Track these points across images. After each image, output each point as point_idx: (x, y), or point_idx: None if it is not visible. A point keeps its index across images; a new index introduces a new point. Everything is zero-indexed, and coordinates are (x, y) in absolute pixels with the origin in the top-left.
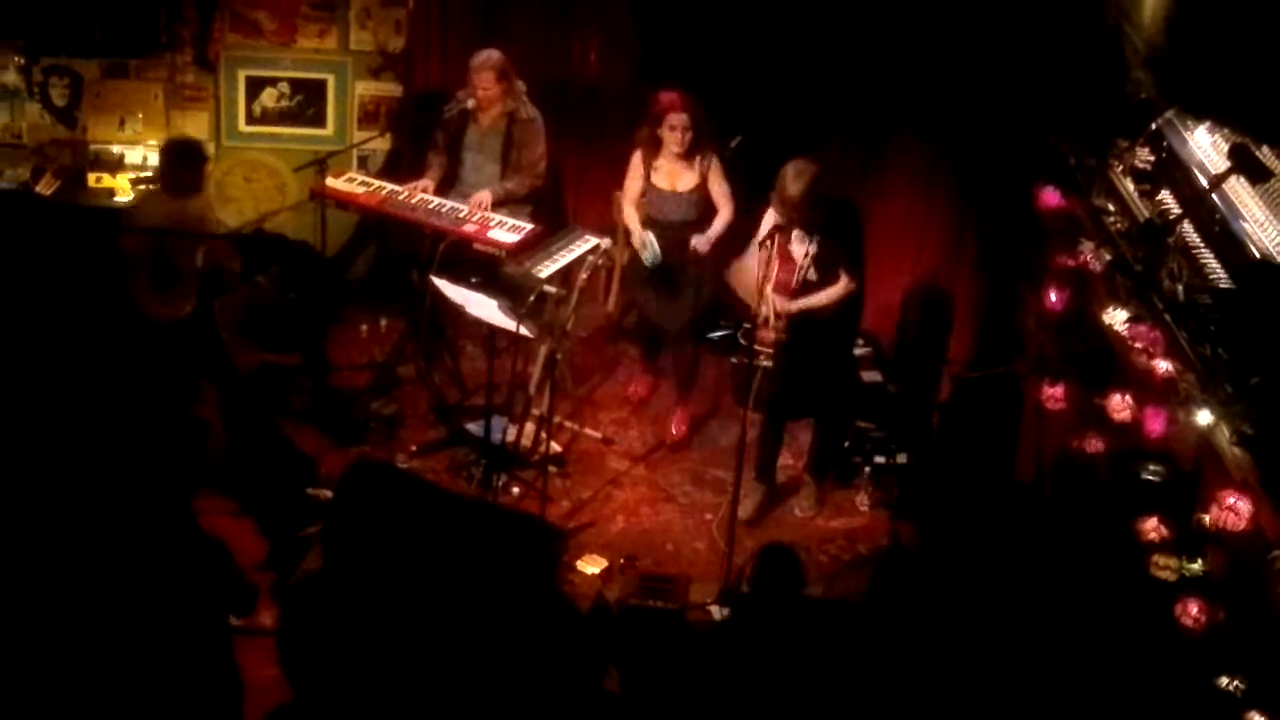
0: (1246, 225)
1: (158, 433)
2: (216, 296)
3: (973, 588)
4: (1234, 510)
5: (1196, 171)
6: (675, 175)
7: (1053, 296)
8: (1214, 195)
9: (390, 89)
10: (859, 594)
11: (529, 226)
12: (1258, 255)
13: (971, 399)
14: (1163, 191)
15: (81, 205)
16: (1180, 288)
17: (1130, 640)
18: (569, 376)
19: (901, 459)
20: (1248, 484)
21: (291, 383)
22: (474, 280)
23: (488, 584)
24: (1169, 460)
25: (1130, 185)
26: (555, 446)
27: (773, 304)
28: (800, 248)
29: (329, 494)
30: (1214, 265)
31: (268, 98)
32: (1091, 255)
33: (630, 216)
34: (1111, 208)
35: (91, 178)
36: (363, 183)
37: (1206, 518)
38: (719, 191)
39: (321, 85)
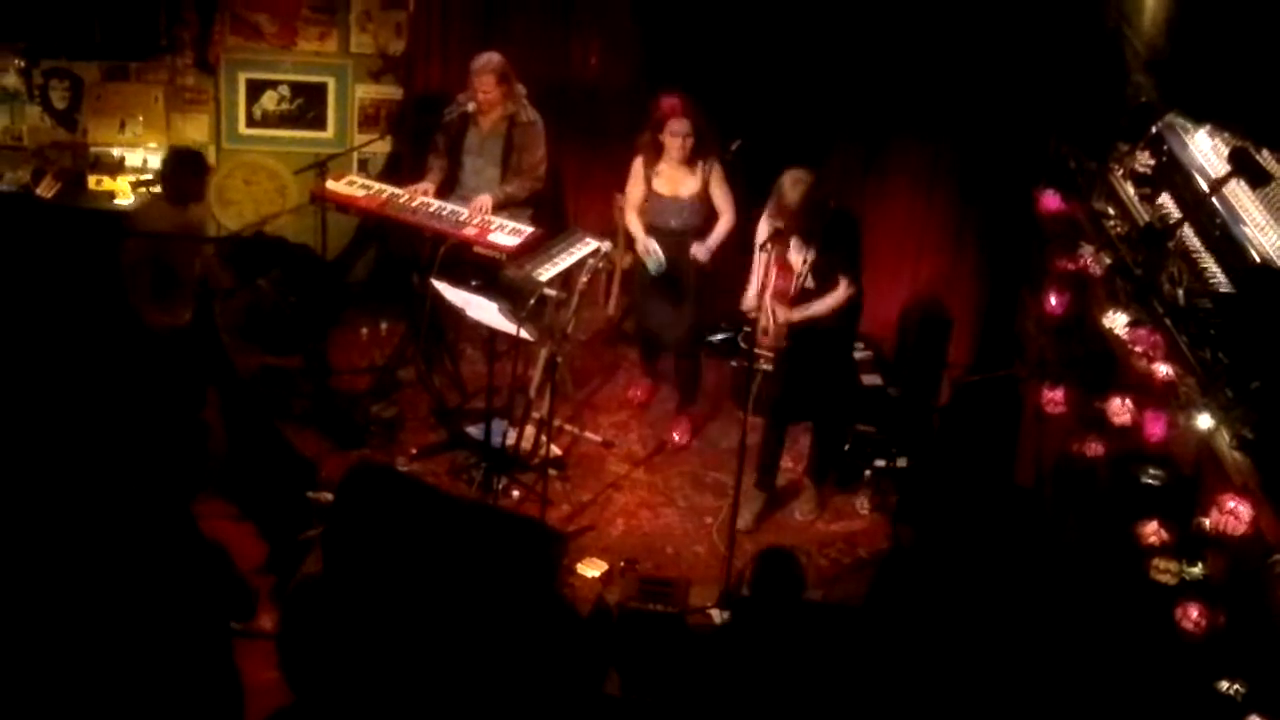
0: (1247, 229)
1: (158, 437)
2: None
3: (973, 591)
4: (1234, 514)
5: (1197, 175)
6: (677, 181)
7: (1053, 300)
8: (1214, 199)
9: (391, 92)
10: (859, 598)
11: (529, 229)
12: (1258, 259)
13: (971, 402)
14: (1163, 195)
15: (82, 208)
16: (1180, 292)
17: (1130, 644)
18: (569, 380)
19: (902, 463)
20: (1248, 488)
21: (292, 386)
22: (474, 283)
23: (488, 587)
24: (1169, 464)
25: (1130, 189)
26: (555, 450)
27: (772, 313)
28: (798, 256)
29: (329, 497)
30: (1214, 269)
31: (268, 100)
32: (1092, 259)
33: (634, 224)
34: (1112, 211)
35: (92, 180)
36: (363, 186)
37: (1207, 522)
38: (720, 197)
39: (322, 88)
